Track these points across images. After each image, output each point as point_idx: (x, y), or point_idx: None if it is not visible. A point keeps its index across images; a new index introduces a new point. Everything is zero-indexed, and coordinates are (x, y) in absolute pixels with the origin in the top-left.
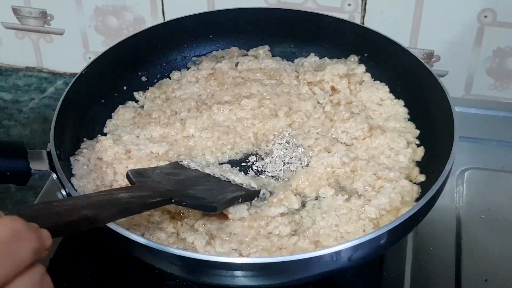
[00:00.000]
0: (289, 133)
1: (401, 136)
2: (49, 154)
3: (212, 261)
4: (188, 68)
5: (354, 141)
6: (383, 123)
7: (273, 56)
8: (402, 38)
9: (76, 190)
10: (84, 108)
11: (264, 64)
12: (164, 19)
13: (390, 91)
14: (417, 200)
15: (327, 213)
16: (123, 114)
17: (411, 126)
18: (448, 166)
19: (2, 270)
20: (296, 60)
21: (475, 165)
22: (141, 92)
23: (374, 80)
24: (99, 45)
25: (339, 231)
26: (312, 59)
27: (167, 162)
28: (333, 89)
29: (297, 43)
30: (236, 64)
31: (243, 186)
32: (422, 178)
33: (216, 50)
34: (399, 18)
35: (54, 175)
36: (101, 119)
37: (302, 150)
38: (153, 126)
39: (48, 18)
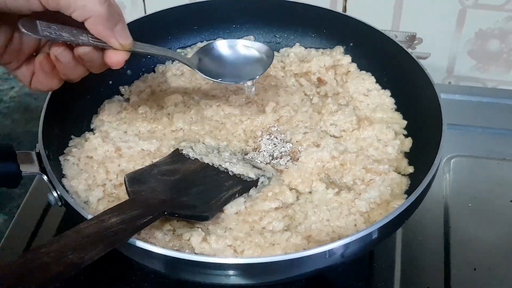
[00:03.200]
0: (277, 129)
1: (389, 127)
2: (38, 155)
3: (203, 262)
4: (173, 61)
5: (343, 133)
6: (370, 114)
7: None
8: (384, 21)
9: (67, 191)
10: (70, 105)
11: None
12: (144, 6)
13: (377, 81)
14: (407, 192)
15: (318, 207)
16: (109, 109)
17: (398, 116)
18: (437, 160)
19: None
20: (281, 50)
21: (460, 153)
22: (126, 86)
23: (360, 71)
24: None
25: (331, 225)
26: (298, 49)
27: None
28: (319, 80)
29: (281, 33)
30: None
31: (241, 177)
32: (410, 169)
33: (201, 42)
34: (382, 1)
35: (45, 177)
36: (88, 115)
37: (291, 145)
38: (140, 122)
39: None
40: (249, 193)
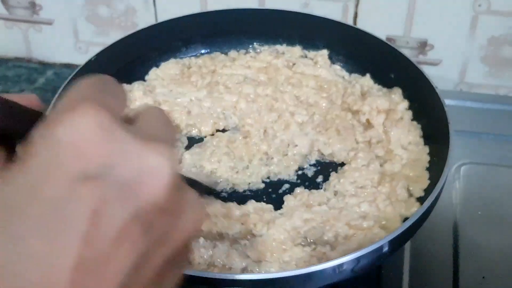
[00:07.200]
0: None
1: (406, 187)
2: None
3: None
4: (247, 52)
5: (358, 190)
6: (399, 170)
7: (333, 63)
8: (396, 26)
9: None
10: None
11: (318, 72)
12: (155, 9)
13: (422, 135)
14: None
15: (287, 262)
16: (169, 69)
17: (426, 176)
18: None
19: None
20: (353, 75)
21: (471, 160)
22: (193, 58)
23: (412, 120)
24: (90, 35)
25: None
26: (366, 82)
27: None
28: (368, 122)
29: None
30: (293, 65)
31: None
32: None
33: (280, 45)
34: (393, 6)
35: None
36: (147, 67)
37: None
38: (188, 88)
39: (37, 8)
40: None
